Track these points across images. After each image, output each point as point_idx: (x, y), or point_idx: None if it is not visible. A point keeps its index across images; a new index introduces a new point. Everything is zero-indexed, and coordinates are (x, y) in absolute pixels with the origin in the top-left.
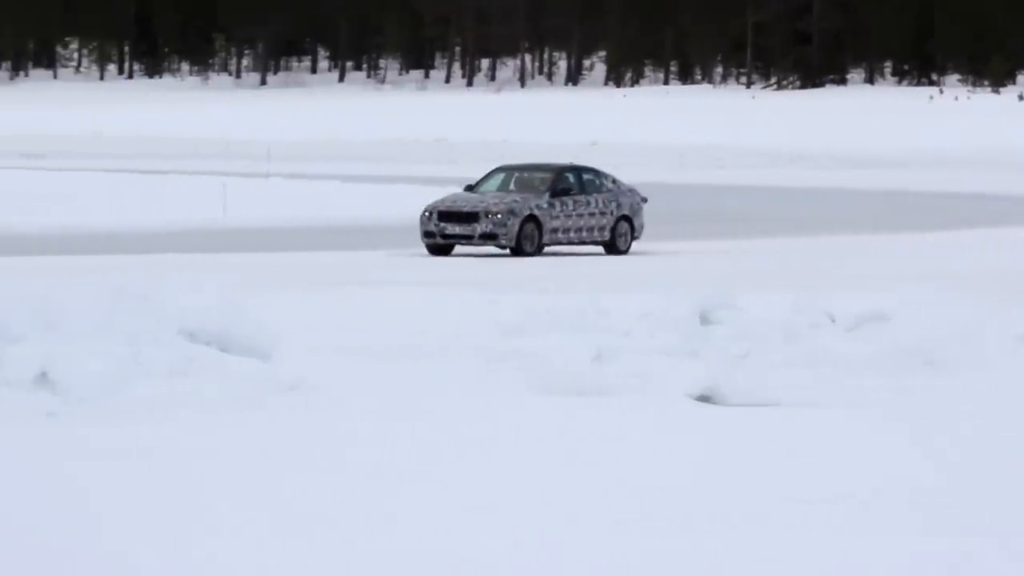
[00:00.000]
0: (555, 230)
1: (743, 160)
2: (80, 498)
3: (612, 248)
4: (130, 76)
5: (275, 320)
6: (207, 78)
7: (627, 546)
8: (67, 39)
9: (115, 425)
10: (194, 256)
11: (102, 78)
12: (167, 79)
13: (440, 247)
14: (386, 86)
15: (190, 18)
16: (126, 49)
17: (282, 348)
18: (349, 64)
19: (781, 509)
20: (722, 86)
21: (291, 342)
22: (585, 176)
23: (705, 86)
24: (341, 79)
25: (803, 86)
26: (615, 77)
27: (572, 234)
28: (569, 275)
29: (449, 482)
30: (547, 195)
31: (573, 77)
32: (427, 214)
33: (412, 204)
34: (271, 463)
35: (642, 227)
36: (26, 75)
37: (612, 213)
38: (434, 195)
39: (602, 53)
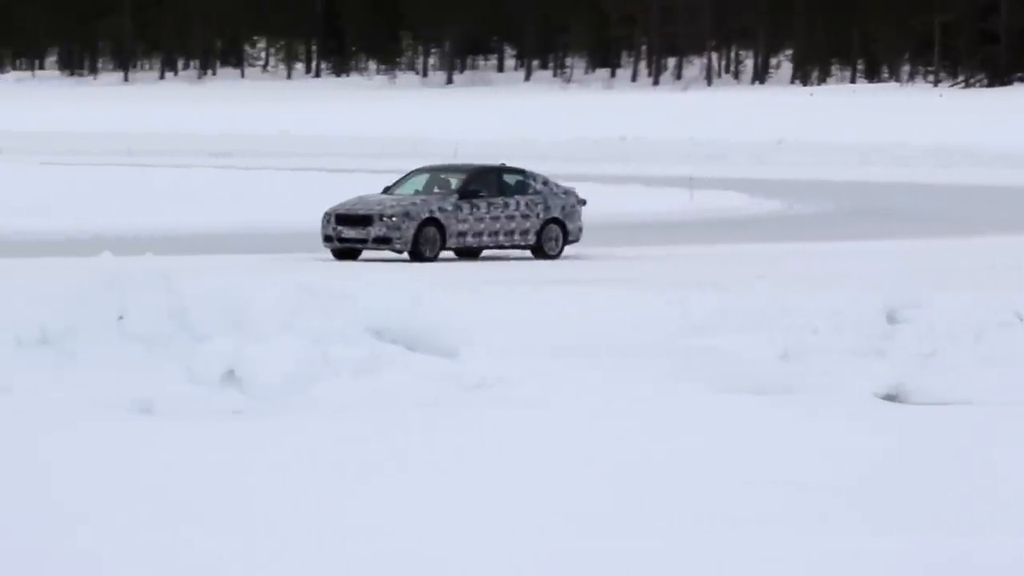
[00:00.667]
0: (463, 233)
1: (929, 159)
2: (265, 496)
3: (540, 252)
4: (317, 75)
5: (460, 318)
6: (394, 77)
7: (814, 545)
8: (255, 38)
9: (301, 423)
10: (380, 254)
11: (289, 77)
12: (354, 78)
13: (342, 251)
14: (572, 85)
15: (377, 17)
16: (313, 48)
17: (468, 346)
18: (535, 63)
19: (971, 509)
20: (909, 84)
21: (477, 340)
22: (507, 178)
23: (892, 84)
24: (527, 78)
25: (990, 84)
26: (802, 75)
27: (486, 238)
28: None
29: (635, 480)
30: (454, 197)
31: (760, 75)
32: (327, 217)
33: (595, 203)
34: (460, 460)
35: (580, 230)
36: (214, 74)
37: (538, 216)
38: (615, 194)
39: (789, 52)
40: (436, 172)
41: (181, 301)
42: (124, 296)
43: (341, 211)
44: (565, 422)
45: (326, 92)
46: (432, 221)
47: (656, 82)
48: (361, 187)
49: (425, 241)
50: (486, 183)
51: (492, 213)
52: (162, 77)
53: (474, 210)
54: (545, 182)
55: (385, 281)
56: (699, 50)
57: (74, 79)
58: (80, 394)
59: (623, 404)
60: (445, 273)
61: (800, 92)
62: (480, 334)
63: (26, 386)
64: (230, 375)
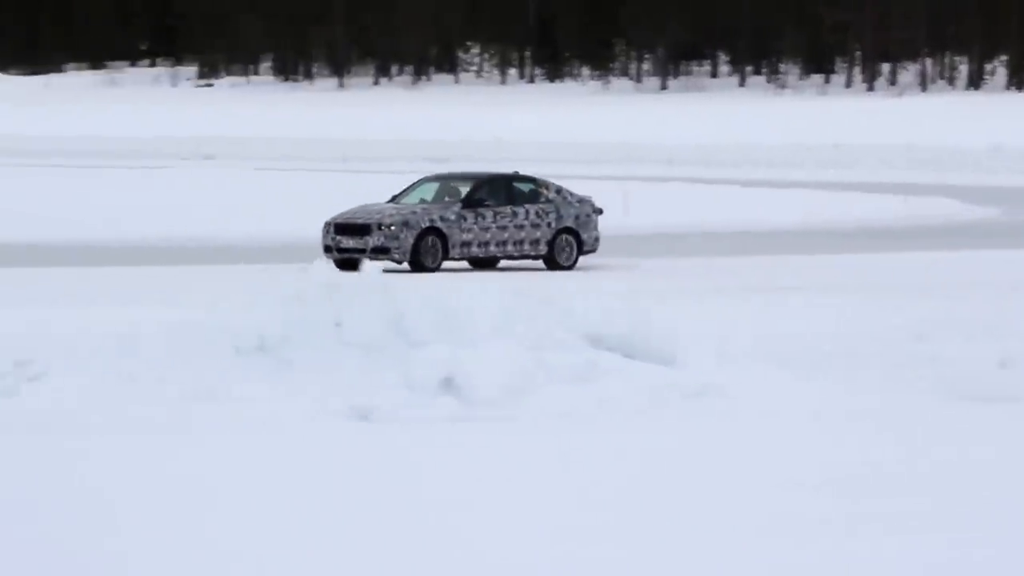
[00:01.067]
0: (467, 243)
1: None
2: (481, 502)
3: (552, 263)
4: (531, 81)
5: (678, 325)
6: (608, 83)
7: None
8: (469, 44)
9: (518, 431)
10: (596, 260)
11: (503, 83)
12: (568, 83)
13: (343, 262)
14: (786, 91)
15: (592, 23)
16: (527, 54)
17: (687, 353)
18: (749, 68)
19: None
20: None
21: (695, 347)
22: (517, 186)
23: None
24: (741, 84)
25: None
26: (1017, 82)
27: (493, 247)
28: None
29: (848, 489)
30: (458, 206)
31: (974, 81)
32: (326, 227)
33: (809, 209)
34: (676, 469)
35: (596, 240)
36: (428, 79)
37: (550, 225)
38: (829, 201)
39: (1004, 57)
40: (446, 180)
41: (398, 308)
42: (341, 303)
43: (340, 220)
44: (785, 430)
45: (540, 98)
46: (433, 230)
47: (871, 88)
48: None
49: (425, 251)
50: (493, 192)
51: (499, 222)
52: (376, 83)
53: (479, 219)
54: (558, 191)
55: (599, 288)
56: (913, 56)
57: (289, 85)
58: (297, 401)
59: (842, 412)
60: (667, 280)
61: (1016, 98)
62: (698, 340)
63: (244, 393)
64: (447, 382)
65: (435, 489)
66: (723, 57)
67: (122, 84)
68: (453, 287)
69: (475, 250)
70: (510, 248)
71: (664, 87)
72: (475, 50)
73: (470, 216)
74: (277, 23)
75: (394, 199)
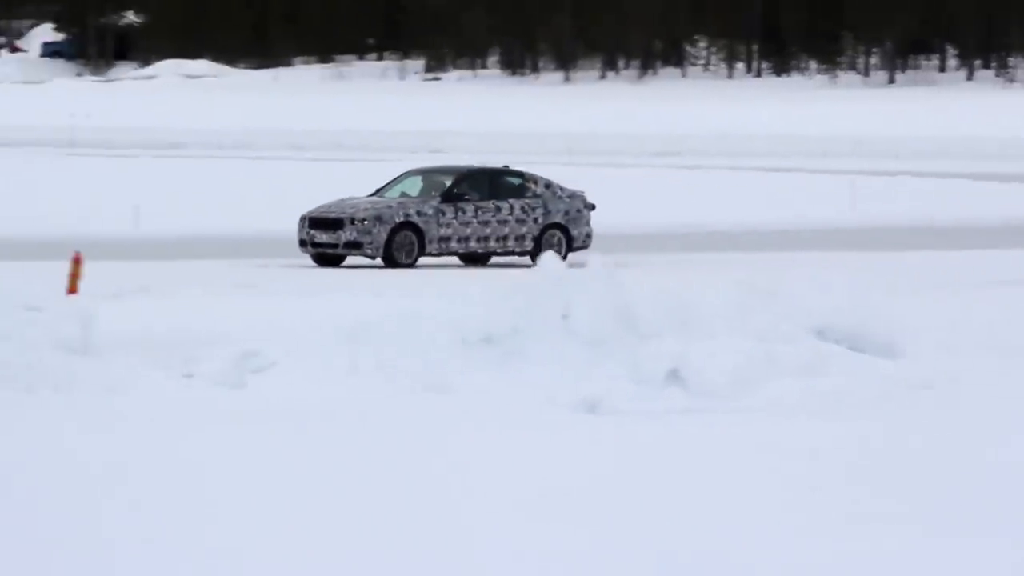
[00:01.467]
0: (446, 239)
1: None
2: (706, 494)
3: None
4: (758, 75)
5: (906, 318)
6: (835, 76)
7: None
8: (696, 37)
9: (745, 422)
10: (823, 254)
11: (730, 77)
12: (795, 77)
13: (320, 256)
14: (1015, 84)
15: (818, 17)
16: (754, 48)
17: (915, 347)
18: (977, 62)
19: None
20: None
21: (923, 341)
22: (504, 180)
23: None
24: (969, 78)
25: None
26: None
27: (474, 243)
28: None
29: None
30: (436, 200)
31: None
32: (302, 221)
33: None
34: (902, 459)
35: (587, 236)
36: (655, 73)
37: (537, 221)
38: None
39: None
40: (430, 174)
41: (625, 300)
42: (569, 295)
43: (314, 215)
44: (1014, 422)
45: (766, 92)
46: (408, 225)
47: None
48: (796, 186)
49: (399, 246)
50: (476, 186)
51: (481, 217)
52: (603, 77)
53: (459, 214)
54: (548, 185)
55: (822, 280)
56: None
57: (515, 79)
58: (525, 392)
59: None
60: (895, 273)
61: None
62: (925, 334)
63: (471, 385)
64: (674, 374)
65: (664, 480)
66: (951, 51)
67: (350, 78)
68: (679, 280)
69: (454, 245)
70: (492, 244)
71: (892, 81)
72: (702, 44)
73: (449, 211)
74: (504, 17)
75: (377, 192)
